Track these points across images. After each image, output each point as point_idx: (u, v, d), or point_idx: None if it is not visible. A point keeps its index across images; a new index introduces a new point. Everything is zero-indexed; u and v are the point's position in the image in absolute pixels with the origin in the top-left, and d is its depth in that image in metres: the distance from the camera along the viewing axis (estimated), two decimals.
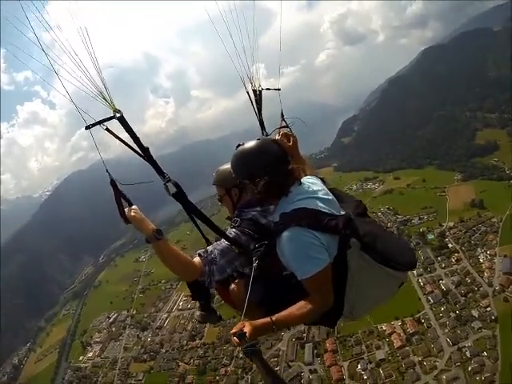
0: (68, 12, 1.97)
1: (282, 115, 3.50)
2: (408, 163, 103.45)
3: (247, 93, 3.43)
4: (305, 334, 52.08)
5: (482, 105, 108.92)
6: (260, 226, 2.67)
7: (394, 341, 48.04)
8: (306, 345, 50.16)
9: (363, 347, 48.75)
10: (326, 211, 2.29)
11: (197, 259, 2.46)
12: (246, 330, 2.01)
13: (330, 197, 2.49)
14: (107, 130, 2.10)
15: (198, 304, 3.26)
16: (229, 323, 53.19)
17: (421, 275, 57.20)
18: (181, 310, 69.90)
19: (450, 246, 62.34)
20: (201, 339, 60.19)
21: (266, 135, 3.46)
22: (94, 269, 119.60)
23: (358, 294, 2.41)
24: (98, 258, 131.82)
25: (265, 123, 3.50)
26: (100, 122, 2.08)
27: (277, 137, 3.16)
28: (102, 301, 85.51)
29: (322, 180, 2.80)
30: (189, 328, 63.69)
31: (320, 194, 2.42)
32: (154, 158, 2.25)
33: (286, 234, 2.20)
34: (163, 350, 61.92)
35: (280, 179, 2.38)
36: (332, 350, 49.08)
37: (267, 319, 2.16)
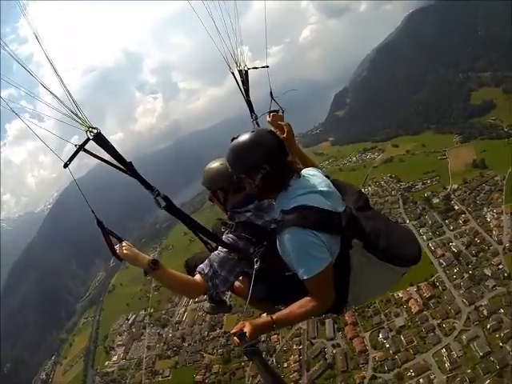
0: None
1: (272, 95, 3.32)
2: (405, 130, 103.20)
3: (232, 74, 3.32)
4: None
5: (474, 65, 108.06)
6: (256, 228, 2.63)
7: (412, 306, 48.69)
8: (326, 320, 50.32)
9: (382, 316, 49.45)
10: (328, 208, 2.21)
11: (198, 277, 2.46)
12: (246, 329, 2.02)
13: (331, 189, 2.42)
14: (85, 151, 2.02)
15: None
16: (246, 310, 53.89)
17: (430, 239, 57.70)
18: (197, 302, 70.03)
19: (456, 208, 62.80)
20: (221, 328, 60.78)
21: (256, 117, 3.36)
22: (106, 273, 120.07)
23: (362, 286, 2.40)
24: (109, 261, 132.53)
25: (255, 108, 3.38)
26: (76, 153, 2.00)
27: (267, 118, 3.13)
28: (118, 304, 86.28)
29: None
30: (207, 319, 64.12)
31: (321, 188, 2.34)
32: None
33: (286, 233, 2.14)
34: (186, 344, 62.69)
35: (278, 171, 2.30)
36: (352, 323, 49.62)
37: (268, 318, 2.14)
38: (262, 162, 2.26)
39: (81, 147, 1.99)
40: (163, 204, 2.21)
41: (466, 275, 49.94)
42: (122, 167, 2.12)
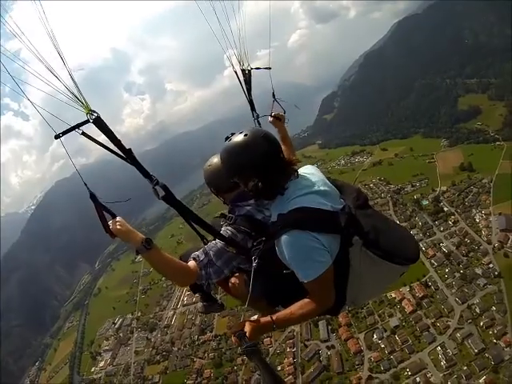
0: (37, 15, 1.87)
1: (274, 96, 3.47)
2: (393, 134, 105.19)
3: (235, 73, 3.36)
4: None
5: (461, 72, 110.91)
6: (256, 222, 2.58)
7: (405, 306, 48.97)
8: (320, 322, 50.17)
9: (376, 317, 49.45)
10: (326, 208, 2.16)
11: (192, 263, 2.37)
12: (246, 329, 1.98)
13: (329, 188, 2.36)
14: (83, 134, 1.95)
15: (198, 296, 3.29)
16: (237, 311, 53.10)
17: (421, 240, 58.27)
18: (186, 305, 69.02)
19: (445, 209, 64.02)
20: (211, 332, 59.59)
21: (257, 116, 3.40)
22: (92, 276, 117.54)
23: (361, 286, 2.36)
24: (94, 264, 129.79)
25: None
26: (72, 129, 1.93)
27: (269, 119, 3.25)
28: (104, 308, 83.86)
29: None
30: (197, 322, 62.98)
31: (319, 187, 2.28)
32: (138, 158, 2.12)
33: (285, 237, 2.08)
34: (175, 349, 61.08)
35: (272, 177, 2.21)
36: (346, 324, 49.47)
37: (267, 318, 2.11)
38: (253, 169, 2.19)
39: (78, 125, 1.93)
40: (162, 194, 2.14)
41: (457, 274, 50.81)
42: (121, 154, 2.04)
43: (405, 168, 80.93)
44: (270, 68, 3.66)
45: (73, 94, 1.92)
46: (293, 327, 51.81)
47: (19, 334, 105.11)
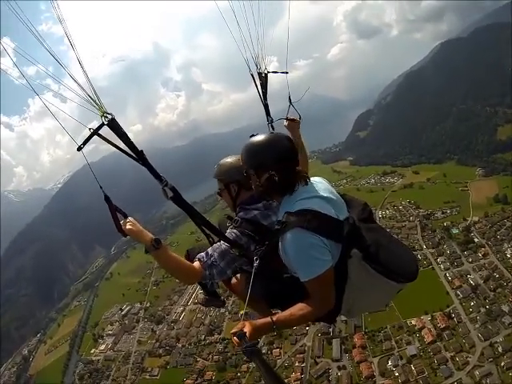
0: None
1: (290, 100, 3.51)
2: (427, 158, 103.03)
3: (251, 75, 3.38)
4: (331, 329, 50.12)
5: (502, 100, 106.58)
6: (261, 227, 2.63)
7: (425, 336, 46.81)
8: (334, 340, 48.53)
9: (393, 343, 47.48)
10: (331, 215, 2.20)
11: (197, 264, 2.45)
12: (246, 330, 2.00)
13: (335, 197, 2.41)
14: (99, 136, 2.04)
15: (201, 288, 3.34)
16: (250, 318, 51.63)
17: (448, 269, 56.62)
18: (197, 303, 68.18)
19: (476, 240, 61.76)
20: (220, 334, 58.39)
21: (272, 121, 3.45)
22: (106, 261, 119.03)
23: (357, 297, 2.36)
24: (110, 248, 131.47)
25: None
26: (91, 136, 2.03)
27: (285, 122, 3.30)
28: (114, 293, 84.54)
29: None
30: (206, 322, 62.01)
31: (325, 194, 2.33)
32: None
33: (289, 234, 2.12)
34: (179, 345, 60.24)
35: (284, 176, 2.30)
36: (361, 346, 47.48)
37: (268, 319, 2.13)
38: (272, 163, 2.28)
39: (95, 132, 2.03)
40: (170, 195, 2.27)
41: (482, 309, 48.42)
42: (133, 155, 2.15)
43: (436, 193, 78.60)
44: (287, 72, 3.66)
45: (89, 96, 1.98)
46: (305, 341, 50.57)
47: (26, 303, 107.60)
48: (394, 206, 78.76)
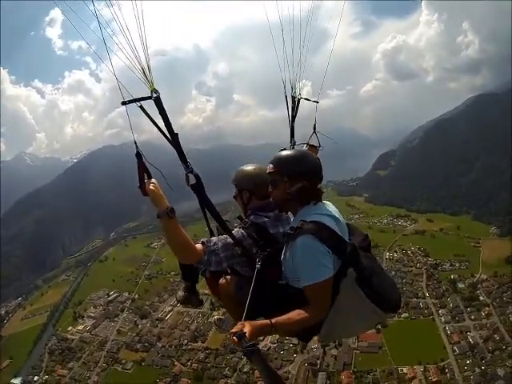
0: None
1: (315, 128, 3.73)
2: (443, 208, 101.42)
3: (285, 97, 3.51)
4: (319, 361, 48.54)
5: None
6: (267, 234, 2.74)
7: None
8: (320, 373, 46.69)
9: None
10: (339, 233, 2.39)
11: (199, 246, 2.51)
12: (246, 330, 2.02)
13: (342, 220, 2.59)
14: (141, 107, 2.13)
15: (182, 284, 3.55)
16: (223, 324, 49.99)
17: (448, 323, 55.02)
18: (176, 300, 66.42)
19: (481, 298, 60.16)
20: (203, 342, 56.69)
21: (294, 144, 3.59)
22: (103, 243, 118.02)
23: (340, 319, 2.44)
24: (110, 233, 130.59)
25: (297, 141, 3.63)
26: (137, 100, 2.12)
27: (305, 147, 3.58)
28: (104, 276, 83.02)
29: None
30: (192, 328, 60.35)
31: (336, 215, 2.53)
32: (174, 153, 2.31)
33: (302, 238, 2.28)
34: (159, 344, 58.57)
35: (312, 189, 2.49)
36: None
37: (267, 321, 2.18)
38: (308, 174, 2.49)
39: (143, 98, 2.13)
40: (193, 181, 2.35)
41: (477, 370, 46.48)
42: (167, 135, 2.23)
43: (447, 245, 77.09)
44: (317, 102, 3.81)
45: (142, 69, 2.10)
46: (289, 368, 48.86)
47: (16, 264, 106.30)
48: (402, 250, 77.47)
